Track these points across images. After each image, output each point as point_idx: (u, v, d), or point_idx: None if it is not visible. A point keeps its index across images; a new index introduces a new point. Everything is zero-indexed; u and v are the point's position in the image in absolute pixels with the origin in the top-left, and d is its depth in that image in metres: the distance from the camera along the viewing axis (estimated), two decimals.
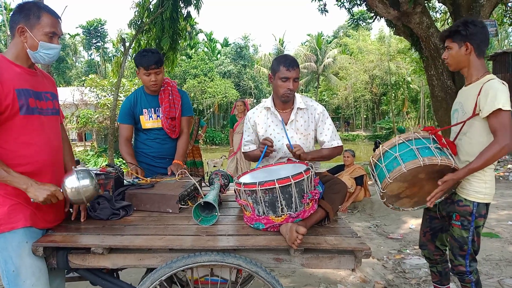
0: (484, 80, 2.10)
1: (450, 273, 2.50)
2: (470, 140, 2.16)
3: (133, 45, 9.51)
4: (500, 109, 1.97)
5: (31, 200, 1.68)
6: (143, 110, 2.83)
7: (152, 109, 2.83)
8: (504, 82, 2.08)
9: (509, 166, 8.75)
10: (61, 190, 1.76)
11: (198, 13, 9.04)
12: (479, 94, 2.07)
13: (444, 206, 2.34)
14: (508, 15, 9.69)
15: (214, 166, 9.85)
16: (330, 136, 2.39)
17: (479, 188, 2.15)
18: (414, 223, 4.93)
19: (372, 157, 2.23)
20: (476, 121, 2.12)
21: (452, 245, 2.27)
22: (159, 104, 2.82)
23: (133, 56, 2.74)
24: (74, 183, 1.76)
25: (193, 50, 37.33)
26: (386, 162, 2.11)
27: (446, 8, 8.30)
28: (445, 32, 2.23)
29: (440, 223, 2.44)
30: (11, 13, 1.80)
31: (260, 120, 2.44)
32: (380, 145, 2.19)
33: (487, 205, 2.18)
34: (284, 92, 2.28)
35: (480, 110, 2.07)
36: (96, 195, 1.89)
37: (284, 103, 2.38)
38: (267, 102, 2.44)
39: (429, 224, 2.49)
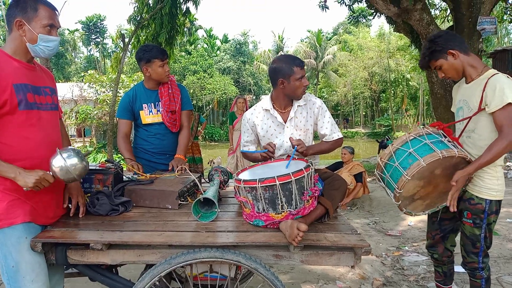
0: (488, 75, 2.10)
1: (457, 272, 2.46)
2: (479, 137, 2.13)
3: (132, 40, 9.50)
4: (509, 104, 1.95)
5: (24, 189, 1.66)
6: (143, 105, 2.83)
7: (152, 103, 2.83)
8: (509, 76, 2.07)
9: (508, 163, 8.75)
10: (50, 173, 1.72)
11: (196, 8, 9.05)
12: (484, 89, 2.05)
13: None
14: (508, 12, 9.64)
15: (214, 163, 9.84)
16: (330, 129, 2.40)
17: (491, 185, 2.12)
18: (412, 220, 4.94)
19: (381, 158, 2.16)
20: (482, 117, 2.10)
21: (464, 243, 2.24)
22: (159, 98, 2.83)
23: (136, 53, 2.75)
24: (60, 162, 1.70)
25: (193, 46, 37.20)
26: (400, 160, 2.06)
27: (446, 5, 8.27)
28: (423, 60, 2.26)
29: (450, 224, 2.39)
30: (8, 7, 1.79)
31: (259, 121, 2.44)
32: (390, 145, 2.14)
33: (499, 201, 2.16)
34: (303, 90, 2.32)
35: (486, 105, 2.05)
36: (87, 169, 1.83)
37: (287, 102, 2.38)
38: (265, 103, 2.42)
39: (438, 227, 2.42)
